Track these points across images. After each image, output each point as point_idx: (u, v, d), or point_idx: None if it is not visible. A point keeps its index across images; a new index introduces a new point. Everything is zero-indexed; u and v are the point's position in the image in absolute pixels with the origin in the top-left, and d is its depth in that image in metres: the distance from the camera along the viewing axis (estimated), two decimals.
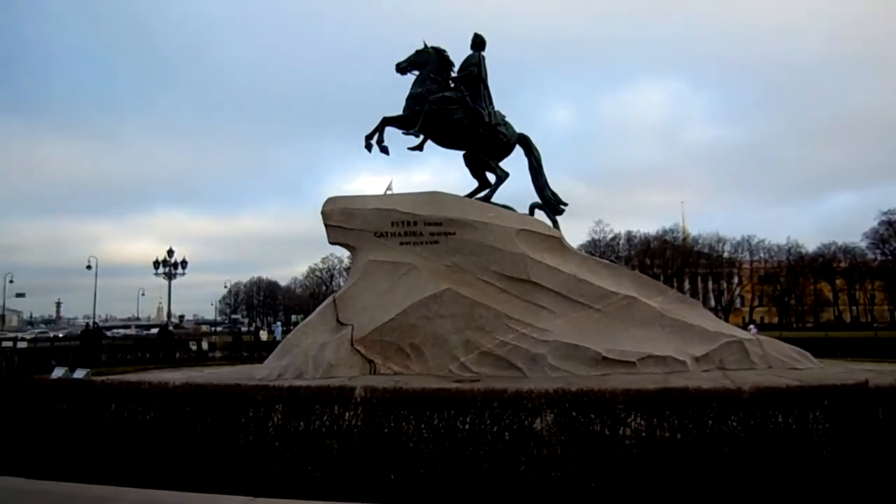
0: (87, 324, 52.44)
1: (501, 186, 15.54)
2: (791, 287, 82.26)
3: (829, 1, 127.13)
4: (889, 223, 74.98)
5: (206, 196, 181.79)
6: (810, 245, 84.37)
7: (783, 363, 13.05)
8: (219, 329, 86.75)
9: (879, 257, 78.47)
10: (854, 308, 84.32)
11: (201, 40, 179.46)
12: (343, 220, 14.33)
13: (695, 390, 6.40)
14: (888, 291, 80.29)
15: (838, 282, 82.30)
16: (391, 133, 15.18)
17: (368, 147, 15.10)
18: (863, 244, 78.80)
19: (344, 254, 65.58)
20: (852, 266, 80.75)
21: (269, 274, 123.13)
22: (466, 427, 6.18)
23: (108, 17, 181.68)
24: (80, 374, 12.04)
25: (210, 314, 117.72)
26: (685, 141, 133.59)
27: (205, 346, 29.51)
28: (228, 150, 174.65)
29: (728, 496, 5.53)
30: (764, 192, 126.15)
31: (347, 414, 6.51)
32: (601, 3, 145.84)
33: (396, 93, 15.72)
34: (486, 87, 15.51)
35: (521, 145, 16.07)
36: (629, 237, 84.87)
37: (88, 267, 58.25)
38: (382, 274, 13.77)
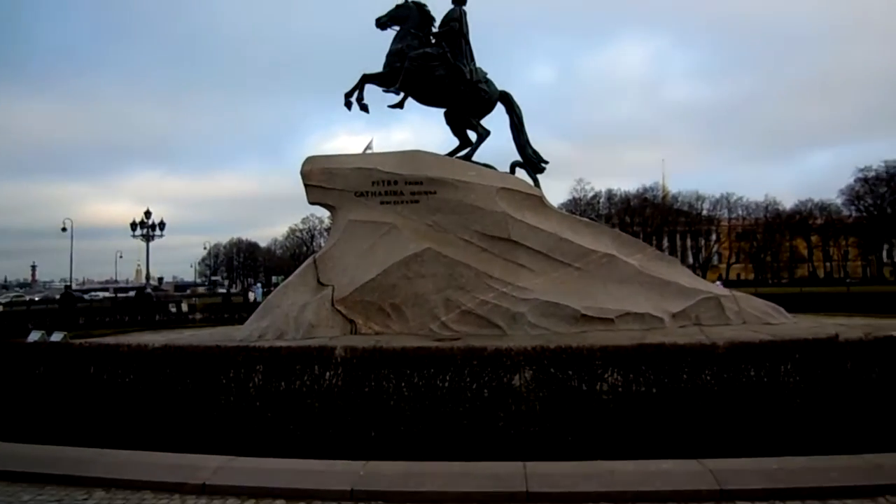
0: (66, 286, 51.92)
1: (483, 145, 15.43)
2: (768, 244, 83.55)
3: None
4: (865, 180, 76.09)
5: (183, 156, 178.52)
6: (787, 202, 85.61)
7: (758, 318, 13.29)
8: (200, 291, 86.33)
9: (854, 214, 79.83)
10: (828, 264, 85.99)
11: None
12: (323, 179, 14.15)
13: (670, 346, 6.51)
14: (861, 247, 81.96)
15: (814, 238, 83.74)
16: (371, 91, 14.93)
17: (348, 105, 14.83)
18: (839, 201, 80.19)
19: (324, 214, 65.06)
20: (828, 223, 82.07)
21: (249, 235, 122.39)
22: (446, 385, 6.26)
23: None
24: (56, 337, 11.95)
25: (189, 276, 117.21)
26: (666, 98, 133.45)
27: (185, 307, 29.40)
28: (206, 109, 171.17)
29: (703, 447, 5.68)
30: (743, 149, 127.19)
31: (328, 373, 6.55)
32: None
33: (376, 50, 15.38)
34: (468, 43, 15.21)
35: (503, 103, 15.88)
36: (610, 195, 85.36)
37: (64, 229, 57.17)
38: (363, 234, 13.68)
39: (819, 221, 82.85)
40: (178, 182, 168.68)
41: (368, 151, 16.02)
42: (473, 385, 6.23)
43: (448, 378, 6.27)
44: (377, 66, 14.95)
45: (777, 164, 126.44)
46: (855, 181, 76.67)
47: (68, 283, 60.44)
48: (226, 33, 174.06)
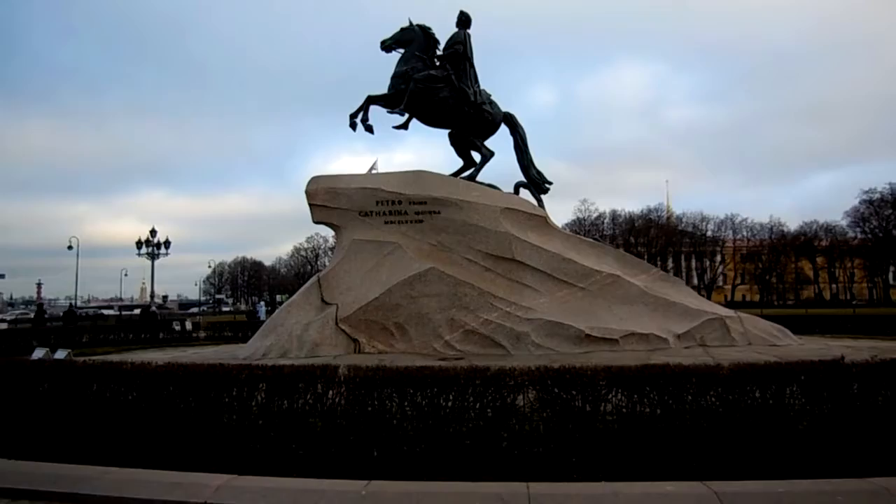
0: (70, 304, 52.05)
1: (486, 165, 15.51)
2: (773, 265, 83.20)
3: None
4: (869, 202, 75.76)
5: (188, 176, 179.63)
6: (792, 224, 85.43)
7: (763, 340, 13.23)
8: (203, 309, 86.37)
9: (860, 235, 79.46)
10: (834, 286, 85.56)
11: (182, 19, 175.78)
12: (327, 199, 14.23)
13: (675, 367, 6.48)
14: (867, 269, 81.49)
15: (819, 260, 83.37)
16: (376, 112, 15.06)
17: (353, 126, 14.95)
18: (843, 223, 79.90)
19: (329, 233, 65.36)
20: (833, 244, 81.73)
21: (253, 254, 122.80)
22: (450, 404, 6.22)
23: None
24: (60, 354, 11.96)
25: (194, 294, 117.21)
26: (667, 121, 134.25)
27: (188, 325, 29.37)
28: (210, 130, 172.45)
29: (708, 469, 5.62)
30: (746, 171, 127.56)
31: (331, 392, 6.53)
32: None
33: (379, 73, 15.53)
34: (472, 66, 15.37)
35: (507, 124, 16.01)
36: (614, 216, 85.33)
37: (70, 247, 57.42)
38: (367, 253, 13.73)
39: (824, 243, 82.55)
40: (184, 201, 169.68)
41: (373, 171, 16.13)
42: (477, 405, 6.20)
43: (451, 398, 6.24)
44: (380, 88, 15.10)
45: (778, 185, 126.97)
46: (860, 203, 76.41)
47: (71, 302, 60.55)
48: (230, 55, 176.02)
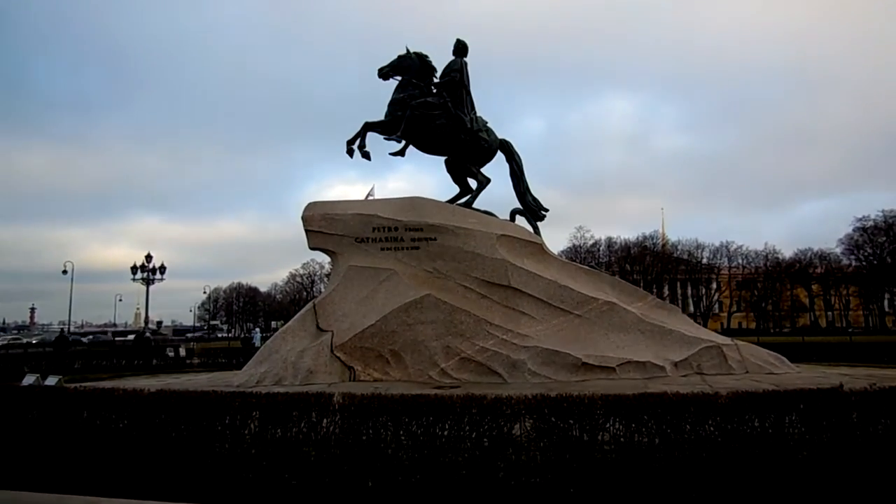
0: (62, 330, 51.64)
1: (483, 192, 15.56)
2: (768, 293, 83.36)
3: (794, 17, 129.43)
4: (863, 229, 76.35)
5: (183, 202, 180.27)
6: (787, 251, 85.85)
7: (760, 368, 13.17)
8: (197, 335, 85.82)
9: (854, 263, 79.86)
10: (830, 313, 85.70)
11: (179, 50, 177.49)
12: (324, 225, 14.23)
13: (672, 395, 6.42)
14: (862, 297, 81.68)
15: (814, 287, 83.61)
16: (372, 139, 15.15)
17: (350, 152, 15.01)
18: (838, 250, 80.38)
19: (325, 259, 65.27)
20: (828, 272, 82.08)
21: (249, 279, 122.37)
22: (445, 433, 6.14)
23: (79, 22, 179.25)
24: (51, 381, 11.81)
25: (189, 320, 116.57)
26: (657, 149, 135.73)
27: (182, 352, 29.13)
28: (205, 157, 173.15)
29: (706, 499, 5.54)
30: (738, 199, 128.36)
31: (325, 421, 6.44)
32: (562, 19, 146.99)
33: (374, 102, 15.71)
34: (469, 93, 15.50)
35: (503, 151, 16.10)
36: (609, 243, 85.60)
37: (64, 272, 57.22)
38: (363, 280, 13.68)
39: (819, 270, 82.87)
40: (179, 227, 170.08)
41: (370, 198, 16.17)
42: (473, 434, 6.12)
43: (447, 427, 6.16)
44: (373, 118, 15.19)
45: (770, 213, 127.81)
46: (854, 230, 76.99)
47: (64, 328, 60.11)
48: (226, 85, 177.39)
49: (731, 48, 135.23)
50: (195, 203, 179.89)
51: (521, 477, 5.92)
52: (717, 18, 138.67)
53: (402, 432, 6.22)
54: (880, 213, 75.26)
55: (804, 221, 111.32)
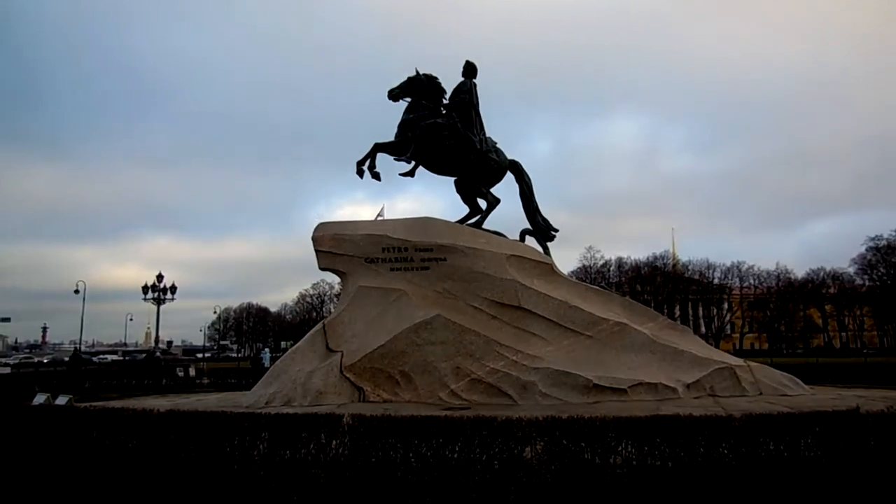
0: (75, 349, 51.90)
1: (493, 213, 15.57)
2: (781, 313, 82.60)
3: (805, 38, 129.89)
4: (876, 248, 75.90)
5: (194, 222, 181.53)
6: (799, 271, 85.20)
7: (774, 390, 12.98)
8: (207, 355, 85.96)
9: (867, 283, 79.18)
10: (843, 334, 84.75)
11: (188, 67, 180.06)
12: (334, 245, 14.27)
13: (685, 418, 6.35)
14: (876, 317, 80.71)
15: (828, 307, 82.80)
16: (381, 160, 15.24)
17: (360, 173, 15.09)
18: (851, 270, 79.87)
19: (334, 280, 65.36)
20: (841, 292, 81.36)
21: (259, 300, 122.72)
22: (455, 456, 6.09)
23: (92, 43, 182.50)
24: (61, 400, 11.84)
25: (199, 340, 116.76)
26: (666, 169, 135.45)
27: (192, 372, 29.16)
28: (216, 177, 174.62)
29: None
30: (747, 218, 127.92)
31: (334, 442, 6.41)
32: (568, 40, 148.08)
33: (381, 123, 15.84)
34: (478, 114, 15.58)
35: (513, 172, 16.12)
36: (620, 263, 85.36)
37: (76, 291, 57.56)
38: (373, 300, 13.67)
39: (832, 290, 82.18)
40: (189, 247, 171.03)
41: (380, 218, 16.23)
42: (483, 456, 6.06)
43: (457, 449, 6.12)
44: (382, 138, 15.30)
45: (780, 232, 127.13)
46: (866, 250, 76.63)
47: (77, 347, 60.40)
48: (235, 105, 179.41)
49: (739, 68, 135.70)
50: (206, 223, 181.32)
51: (532, 500, 5.85)
52: (725, 39, 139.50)
53: (411, 454, 6.18)
54: (893, 233, 74.91)
55: (816, 241, 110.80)
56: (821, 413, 7.12)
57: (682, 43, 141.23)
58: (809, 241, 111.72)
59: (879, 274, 77.11)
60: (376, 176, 15.09)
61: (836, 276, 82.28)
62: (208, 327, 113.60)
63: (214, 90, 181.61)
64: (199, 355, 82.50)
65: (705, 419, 6.38)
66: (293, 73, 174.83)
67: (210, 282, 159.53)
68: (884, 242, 75.43)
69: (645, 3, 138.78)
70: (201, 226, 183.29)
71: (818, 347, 76.48)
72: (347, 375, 12.86)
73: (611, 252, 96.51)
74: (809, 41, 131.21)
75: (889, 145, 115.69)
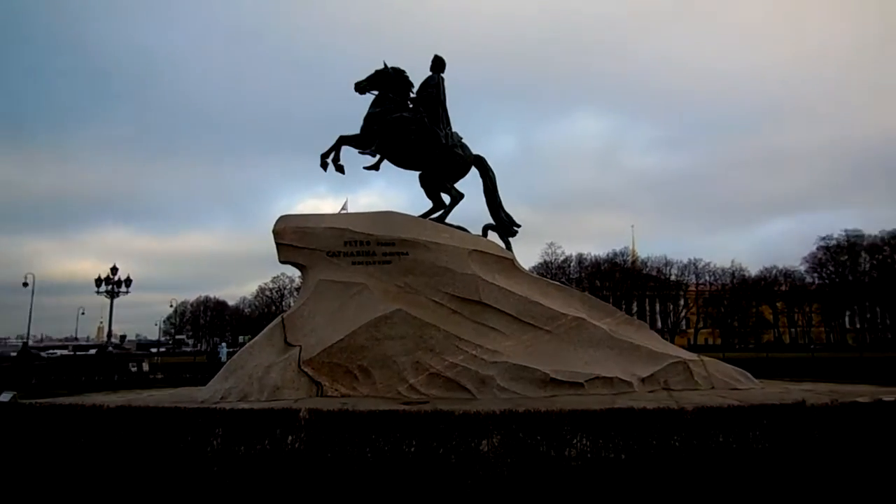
0: (24, 344, 50.23)
1: (456, 207, 15.59)
2: (734, 309, 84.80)
3: (759, 42, 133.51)
4: (827, 248, 78.96)
5: (150, 214, 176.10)
6: (753, 269, 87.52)
7: (726, 383, 13.33)
8: (161, 349, 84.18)
9: (817, 281, 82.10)
10: (793, 330, 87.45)
11: (148, 60, 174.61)
12: (295, 238, 14.09)
13: (639, 411, 6.48)
14: (824, 314, 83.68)
15: (779, 304, 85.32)
16: (346, 153, 15.10)
17: (324, 166, 14.92)
18: (802, 268, 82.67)
19: (295, 273, 64.64)
20: (792, 289, 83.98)
21: (217, 293, 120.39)
22: (412, 450, 6.09)
23: (45, 31, 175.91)
24: (5, 397, 11.44)
25: (154, 335, 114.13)
26: (628, 167, 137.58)
27: (145, 367, 28.51)
28: (175, 169, 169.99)
29: None
30: (707, 217, 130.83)
31: (290, 437, 6.35)
32: (534, 36, 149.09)
33: (346, 117, 15.68)
34: (445, 109, 15.54)
35: (477, 167, 16.13)
36: (580, 259, 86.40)
37: (25, 284, 55.59)
38: (333, 294, 13.56)
39: (784, 288, 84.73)
40: (146, 239, 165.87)
41: (343, 212, 16.10)
42: (440, 450, 6.08)
43: (415, 443, 6.12)
44: (344, 131, 15.16)
45: (736, 231, 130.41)
46: (818, 249, 79.66)
47: (26, 340, 58.48)
48: (195, 98, 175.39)
49: (704, 70, 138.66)
50: (163, 215, 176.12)
51: (488, 493, 5.89)
52: (688, 43, 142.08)
53: (369, 449, 6.15)
54: (843, 233, 78.12)
55: (770, 240, 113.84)
56: (768, 406, 7.35)
57: (650, 43, 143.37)
58: (764, 241, 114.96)
59: (829, 272, 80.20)
60: (340, 169, 14.95)
61: (787, 275, 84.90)
62: (164, 321, 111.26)
63: (176, 80, 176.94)
64: (154, 350, 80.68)
65: (658, 412, 6.52)
66: (257, 65, 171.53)
67: (167, 275, 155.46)
68: (834, 242, 78.75)
69: (615, 2, 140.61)
70: (159, 218, 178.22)
71: (769, 343, 78.76)
72: (306, 370, 12.74)
73: (572, 248, 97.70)
74: (775, 46, 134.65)
75: (843, 149, 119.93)
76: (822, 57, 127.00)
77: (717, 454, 6.37)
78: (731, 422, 6.72)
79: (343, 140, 15.01)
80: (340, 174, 14.97)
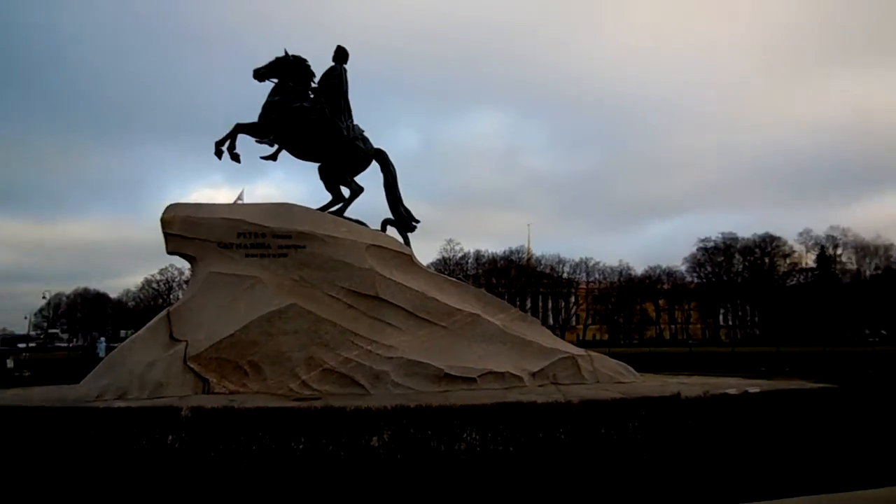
0: None
1: (355, 201, 15.41)
2: (621, 306, 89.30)
3: (648, 47, 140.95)
4: (705, 249, 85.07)
5: (23, 199, 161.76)
6: (639, 268, 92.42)
7: (610, 377, 14.04)
8: (31, 344, 77.87)
9: (696, 280, 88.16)
10: (673, 326, 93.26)
11: (24, 39, 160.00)
12: (185, 228, 13.41)
13: (527, 405, 6.68)
14: (701, 311, 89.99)
15: (661, 302, 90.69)
16: (243, 142, 14.55)
17: (219, 154, 14.32)
18: (683, 268, 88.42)
19: (185, 265, 61.71)
20: (674, 287, 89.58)
21: (97, 285, 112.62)
22: (301, 447, 5.96)
23: None
24: None
25: (23, 328, 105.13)
26: (526, 167, 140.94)
27: (10, 363, 26.24)
28: (51, 152, 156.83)
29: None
30: (599, 216, 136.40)
31: (171, 437, 6.03)
32: (437, 33, 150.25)
33: (243, 104, 15.10)
34: (347, 101, 15.31)
35: (378, 161, 16.03)
36: (478, 256, 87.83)
37: None
38: (224, 287, 13.04)
39: (666, 286, 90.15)
40: (17, 226, 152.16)
41: (239, 203, 15.52)
42: (330, 447, 5.99)
43: (303, 440, 5.99)
44: (243, 120, 14.63)
45: (626, 232, 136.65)
46: (697, 250, 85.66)
47: None
48: (77, 78, 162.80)
49: (597, 76, 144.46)
50: (37, 201, 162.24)
51: (378, 489, 5.86)
52: (585, 46, 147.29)
53: (255, 447, 5.96)
54: (720, 235, 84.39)
55: (656, 241, 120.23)
56: (647, 398, 7.79)
57: (550, 49, 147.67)
58: (650, 241, 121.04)
59: (706, 272, 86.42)
60: (236, 158, 14.41)
61: (670, 274, 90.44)
62: (35, 314, 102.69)
63: (61, 62, 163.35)
64: (22, 345, 74.39)
65: (545, 406, 6.75)
66: (152, 49, 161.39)
67: (40, 265, 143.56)
68: (712, 244, 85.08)
69: (518, 2, 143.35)
70: (32, 204, 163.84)
71: (651, 338, 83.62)
72: (192, 366, 12.15)
73: (471, 245, 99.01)
74: (664, 51, 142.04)
75: (725, 155, 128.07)
76: (708, 63, 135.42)
77: (601, 444, 6.68)
78: (613, 414, 7.07)
79: (240, 128, 14.48)
80: (236, 163, 14.47)
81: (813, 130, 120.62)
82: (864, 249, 79.43)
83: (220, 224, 13.42)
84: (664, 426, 7.22)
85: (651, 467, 6.50)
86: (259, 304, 12.75)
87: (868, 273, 79.37)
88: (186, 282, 61.60)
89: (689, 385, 13.22)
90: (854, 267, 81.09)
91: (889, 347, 40.24)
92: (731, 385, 12.56)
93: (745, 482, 6.12)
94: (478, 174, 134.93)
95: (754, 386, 12.19)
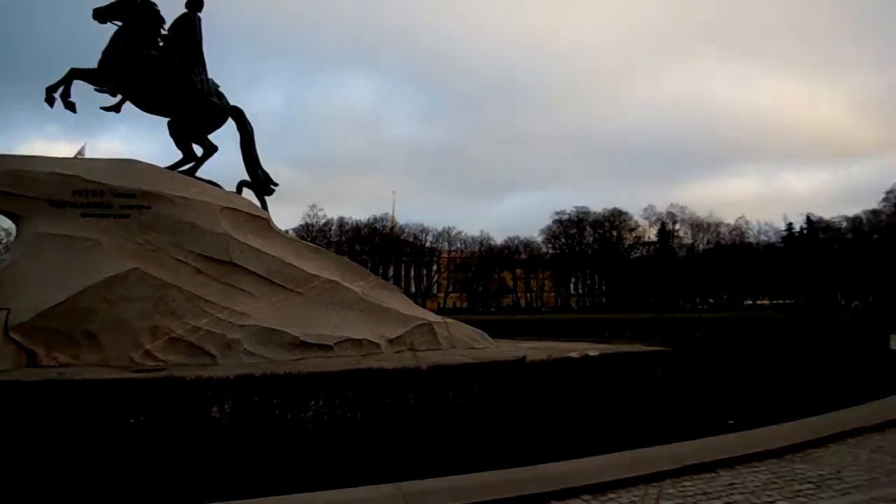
0: None
1: (209, 161, 14.58)
2: (480, 275, 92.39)
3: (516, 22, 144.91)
4: (560, 222, 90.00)
5: None
6: (499, 238, 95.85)
7: (465, 343, 14.56)
8: None
9: (551, 251, 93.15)
10: (529, 294, 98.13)
11: None
12: (9, 183, 11.98)
13: (376, 371, 6.76)
14: (555, 280, 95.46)
15: (518, 271, 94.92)
16: (82, 90, 13.21)
17: (50, 101, 12.92)
18: (539, 239, 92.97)
19: (11, 226, 55.53)
20: (531, 258, 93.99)
21: None
22: (137, 421, 5.64)
23: None
24: None
25: None
26: (392, 135, 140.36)
27: None
28: None
29: (404, 469, 5.89)
30: (462, 187, 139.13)
31: None
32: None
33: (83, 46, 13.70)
34: (201, 53, 14.33)
35: (234, 119, 15.21)
36: (342, 223, 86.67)
37: None
38: (56, 250, 11.83)
39: (524, 256, 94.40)
40: None
41: (80, 158, 14.12)
42: (168, 418, 5.71)
43: (140, 412, 5.67)
44: (79, 63, 13.30)
45: (488, 202, 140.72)
46: (553, 223, 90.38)
47: None
48: None
49: (465, 49, 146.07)
50: None
51: (219, 461, 5.69)
52: (457, 19, 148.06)
53: (84, 423, 5.54)
54: (574, 209, 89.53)
55: (516, 212, 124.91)
56: (494, 363, 8.18)
57: (418, 17, 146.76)
58: (510, 212, 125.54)
59: (560, 244, 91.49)
60: (70, 106, 13.09)
61: (527, 244, 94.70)
62: None
63: None
64: None
65: (394, 372, 6.87)
66: None
67: None
68: (566, 217, 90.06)
69: None
70: None
71: (508, 306, 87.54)
72: (14, 336, 10.97)
73: (335, 211, 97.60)
74: (530, 28, 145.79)
75: (581, 135, 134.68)
76: (574, 46, 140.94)
77: (449, 408, 6.92)
78: (461, 378, 7.35)
79: (75, 73, 13.15)
80: (72, 112, 13.15)
81: (658, 116, 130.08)
82: (698, 226, 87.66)
83: (52, 179, 12.16)
84: (510, 389, 7.63)
85: (496, 427, 6.85)
86: (96, 268, 11.74)
87: (701, 248, 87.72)
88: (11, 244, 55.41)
89: (538, 349, 14.03)
90: (689, 241, 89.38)
91: (714, 314, 45.16)
92: (575, 349, 13.46)
93: (578, 436, 6.64)
94: (343, 139, 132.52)
95: (595, 349, 13.16)
